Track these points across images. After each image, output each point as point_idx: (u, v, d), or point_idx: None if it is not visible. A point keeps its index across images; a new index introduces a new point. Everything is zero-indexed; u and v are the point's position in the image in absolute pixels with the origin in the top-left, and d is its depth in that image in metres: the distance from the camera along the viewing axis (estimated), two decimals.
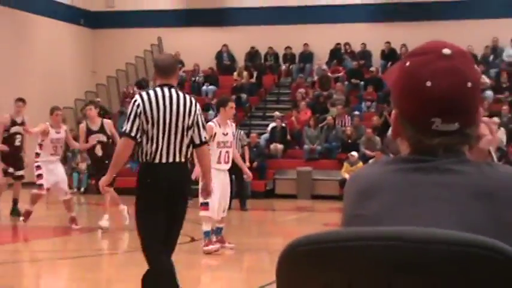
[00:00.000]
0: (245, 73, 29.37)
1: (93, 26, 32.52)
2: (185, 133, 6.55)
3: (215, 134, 11.12)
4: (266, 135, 25.24)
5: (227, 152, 11.25)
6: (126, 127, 6.44)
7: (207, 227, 11.30)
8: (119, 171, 7.67)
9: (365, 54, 29.43)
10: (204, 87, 29.41)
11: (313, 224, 17.42)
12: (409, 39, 28.17)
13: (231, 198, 19.04)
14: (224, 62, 31.11)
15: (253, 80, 29.45)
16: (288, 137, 25.26)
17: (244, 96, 28.26)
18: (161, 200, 6.42)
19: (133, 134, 6.40)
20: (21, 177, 15.81)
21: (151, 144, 6.44)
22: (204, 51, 30.45)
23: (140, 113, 6.41)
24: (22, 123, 15.43)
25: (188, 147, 6.60)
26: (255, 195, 20.88)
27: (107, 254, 11.75)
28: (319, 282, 1.57)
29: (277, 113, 25.66)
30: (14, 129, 15.41)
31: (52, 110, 14.36)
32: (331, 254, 1.56)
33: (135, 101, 6.50)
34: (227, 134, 11.34)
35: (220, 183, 10.88)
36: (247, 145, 20.06)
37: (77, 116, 29.11)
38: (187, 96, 6.69)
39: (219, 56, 31.16)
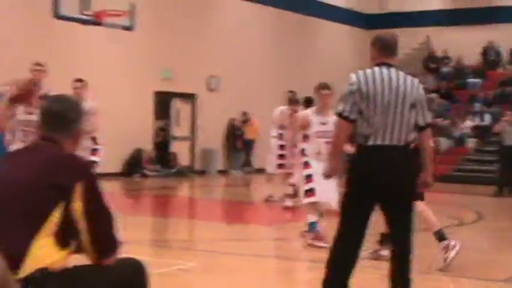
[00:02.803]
0: (511, 67, 28.27)
1: (368, 27, 32.63)
2: (405, 114, 5.58)
3: (311, 123, 9.70)
4: None
5: (326, 142, 8.79)
6: (340, 107, 5.63)
7: (312, 218, 9.49)
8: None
9: None
10: (471, 80, 28.62)
11: None
12: None
13: (503, 185, 18.24)
14: (490, 57, 30.08)
15: None
16: None
17: (509, 89, 27.19)
18: (372, 188, 5.55)
19: (345, 114, 5.54)
20: None
21: (367, 125, 5.54)
22: (470, 47, 29.60)
23: (356, 91, 5.54)
24: None
25: (409, 130, 5.63)
26: None
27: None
28: None
29: None
30: None
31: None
32: None
33: (350, 79, 5.63)
34: (326, 123, 9.47)
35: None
36: None
37: None
38: (408, 76, 5.70)
39: (485, 51, 30.16)
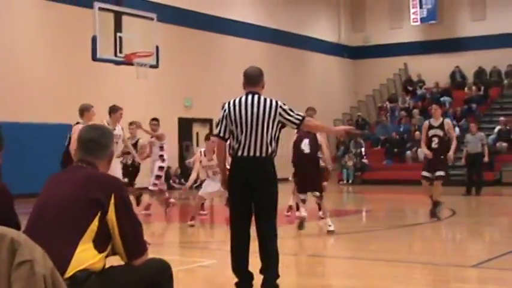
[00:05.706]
0: (474, 88, 28.28)
1: (354, 58, 32.70)
2: (265, 131, 5.71)
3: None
4: (493, 136, 24.06)
5: None
6: (217, 129, 5.94)
7: None
8: None
9: None
10: (442, 99, 28.55)
11: None
12: None
13: (471, 186, 18.31)
14: (457, 79, 30.07)
15: (481, 92, 28.26)
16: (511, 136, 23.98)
17: (474, 106, 27.23)
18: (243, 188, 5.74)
19: (221, 134, 5.85)
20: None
21: (236, 141, 5.75)
22: (441, 72, 29.67)
23: (226, 116, 5.81)
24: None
25: (269, 144, 5.73)
26: (486, 184, 19.90)
27: (375, 230, 11.66)
28: None
29: (502, 118, 24.41)
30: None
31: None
32: None
33: (223, 106, 5.89)
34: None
35: None
36: (486, 144, 19.30)
37: (345, 124, 29.46)
38: (269, 100, 5.81)
39: (452, 75, 30.18)
